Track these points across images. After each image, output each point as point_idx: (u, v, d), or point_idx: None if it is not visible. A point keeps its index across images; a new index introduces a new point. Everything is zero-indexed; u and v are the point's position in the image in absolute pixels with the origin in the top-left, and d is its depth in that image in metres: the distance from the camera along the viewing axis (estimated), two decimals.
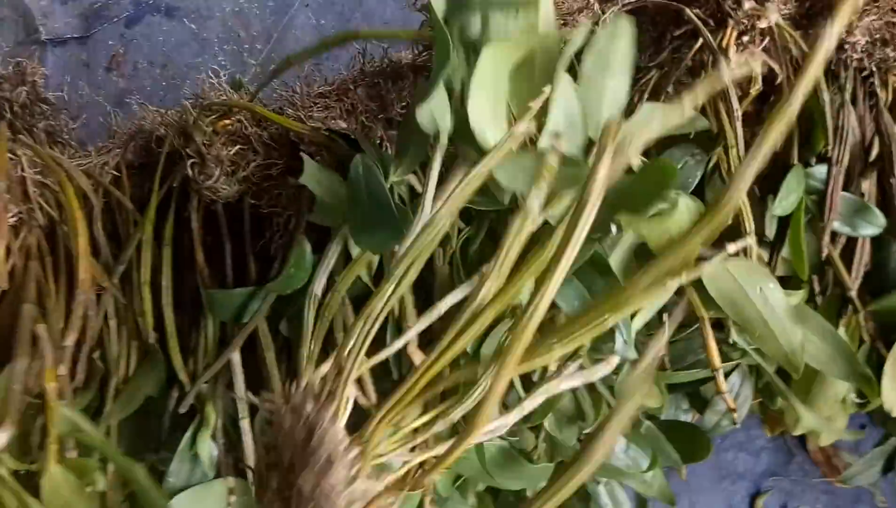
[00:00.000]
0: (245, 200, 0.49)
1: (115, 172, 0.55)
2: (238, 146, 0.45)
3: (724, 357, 0.41)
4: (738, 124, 0.40)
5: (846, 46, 0.40)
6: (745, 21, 0.40)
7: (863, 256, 0.43)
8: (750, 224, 0.39)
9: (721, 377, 0.40)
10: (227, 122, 0.45)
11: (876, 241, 0.45)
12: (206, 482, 0.49)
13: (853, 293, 0.43)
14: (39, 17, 0.67)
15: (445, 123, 0.33)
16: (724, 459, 0.65)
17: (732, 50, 0.40)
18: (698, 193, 0.42)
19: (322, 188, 0.40)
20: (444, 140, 0.33)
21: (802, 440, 0.65)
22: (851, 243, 0.44)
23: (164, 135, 0.50)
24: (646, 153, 0.45)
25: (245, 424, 0.49)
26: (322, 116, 0.46)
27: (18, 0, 0.67)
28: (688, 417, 0.53)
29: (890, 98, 0.42)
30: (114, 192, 0.53)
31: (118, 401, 0.52)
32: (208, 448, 0.49)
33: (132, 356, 0.54)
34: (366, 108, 0.45)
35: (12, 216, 0.49)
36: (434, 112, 0.32)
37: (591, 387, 0.46)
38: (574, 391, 0.46)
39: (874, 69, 0.40)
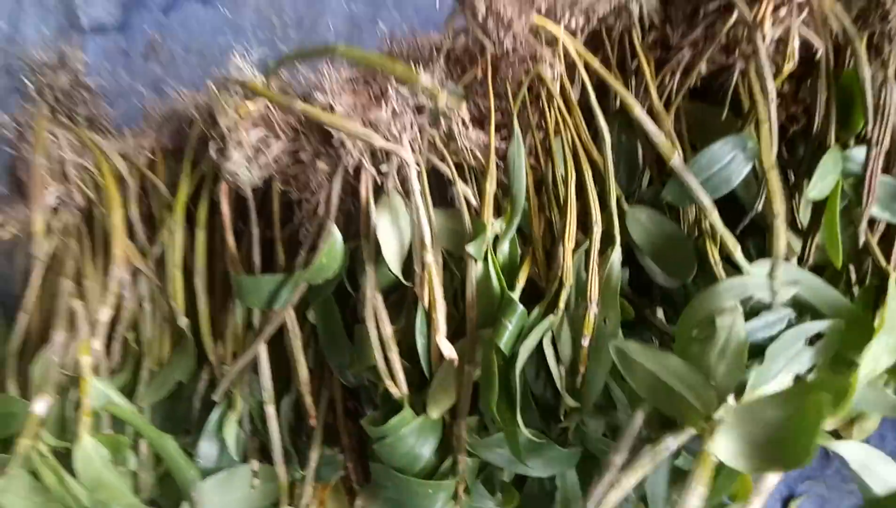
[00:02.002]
0: (273, 184, 0.50)
1: (150, 155, 0.56)
2: (261, 130, 0.45)
3: None
4: (773, 105, 0.38)
5: (891, 17, 0.38)
6: None
7: None
8: None
9: None
10: (252, 105, 0.45)
11: None
12: (231, 467, 0.50)
13: (893, 282, 0.41)
14: (81, 5, 0.69)
15: None
16: None
17: (768, 24, 0.38)
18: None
19: None
20: None
21: None
22: (891, 229, 0.42)
23: (194, 119, 0.51)
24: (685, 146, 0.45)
25: (270, 409, 0.49)
26: (350, 101, 0.46)
27: None
28: None
29: None
30: (148, 174, 0.54)
31: (151, 384, 0.53)
32: (234, 433, 0.49)
33: (165, 339, 0.55)
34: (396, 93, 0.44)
35: (53, 197, 0.51)
36: None
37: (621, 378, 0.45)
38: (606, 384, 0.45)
39: None
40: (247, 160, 0.46)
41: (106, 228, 0.53)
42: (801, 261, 0.42)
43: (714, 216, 0.39)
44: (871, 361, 0.39)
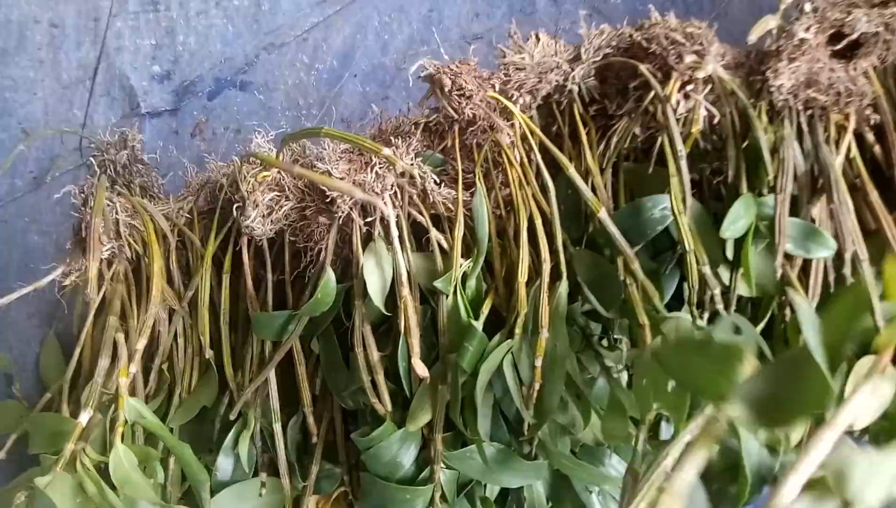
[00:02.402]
0: (284, 236, 0.59)
1: (188, 216, 0.67)
2: (274, 193, 0.55)
3: None
4: (682, 162, 0.46)
5: (772, 89, 0.45)
6: (687, 72, 0.46)
7: (818, 276, 0.47)
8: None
9: None
10: (267, 173, 0.55)
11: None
12: (244, 480, 0.57)
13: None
14: (141, 94, 0.82)
15: None
16: None
17: (675, 97, 0.46)
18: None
19: None
20: None
21: None
22: (808, 263, 0.48)
23: (223, 185, 0.61)
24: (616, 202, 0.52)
25: (278, 428, 0.57)
26: (346, 167, 0.55)
27: (125, 81, 0.82)
28: None
29: (834, 133, 0.47)
30: (185, 231, 0.65)
31: (181, 408, 0.62)
32: (247, 449, 0.57)
33: (194, 369, 0.64)
34: (380, 160, 0.54)
35: (107, 250, 0.61)
36: None
37: (580, 398, 0.52)
38: (564, 402, 0.52)
39: (800, 108, 0.45)
40: (261, 217, 0.56)
41: (149, 275, 0.63)
42: (729, 289, 0.48)
43: (635, 265, 0.46)
44: None
